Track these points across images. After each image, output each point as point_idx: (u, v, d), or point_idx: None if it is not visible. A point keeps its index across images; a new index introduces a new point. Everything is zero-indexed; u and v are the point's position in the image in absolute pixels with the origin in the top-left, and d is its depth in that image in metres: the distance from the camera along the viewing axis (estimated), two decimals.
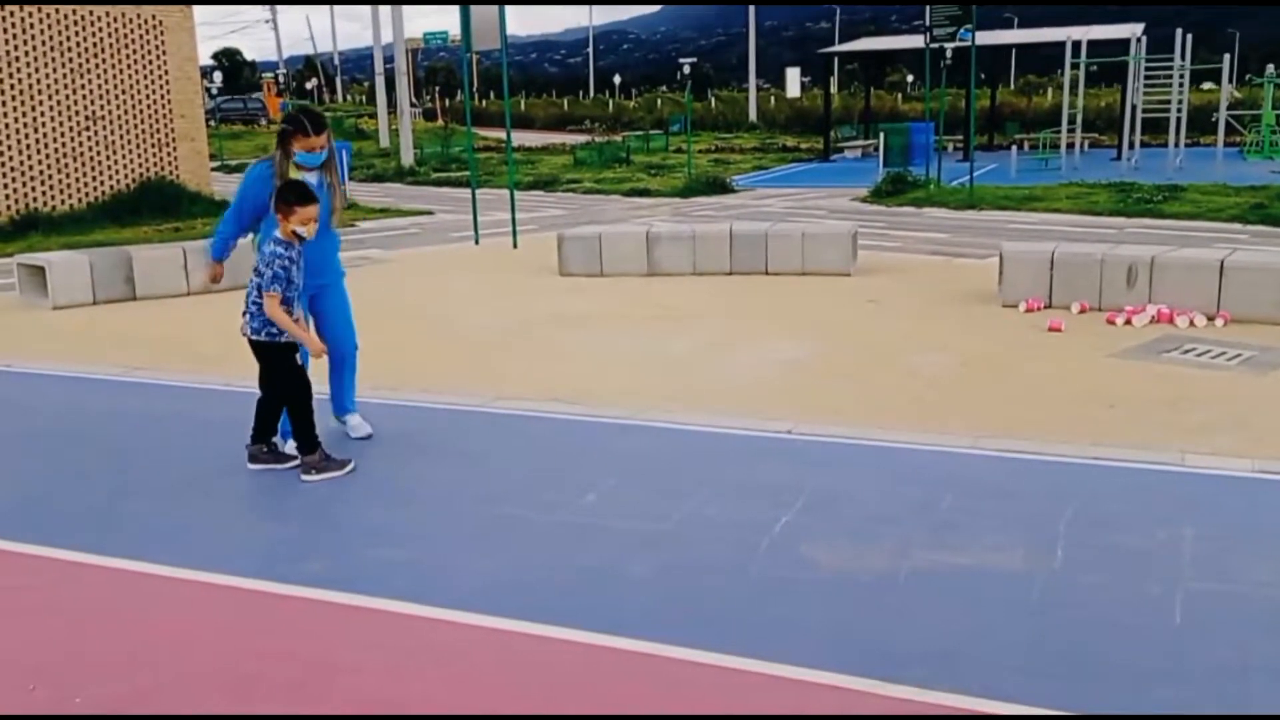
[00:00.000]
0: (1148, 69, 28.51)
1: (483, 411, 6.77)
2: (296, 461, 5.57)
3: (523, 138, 45.97)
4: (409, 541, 4.71)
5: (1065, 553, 4.38)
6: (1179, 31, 26.44)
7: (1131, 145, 27.69)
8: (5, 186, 17.50)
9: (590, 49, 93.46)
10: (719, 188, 24.49)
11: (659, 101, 64.66)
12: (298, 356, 5.59)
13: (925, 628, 3.79)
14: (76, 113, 18.32)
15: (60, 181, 18.20)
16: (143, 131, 19.36)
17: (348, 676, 3.56)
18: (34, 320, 10.57)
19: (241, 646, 3.79)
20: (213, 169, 22.72)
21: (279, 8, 65.41)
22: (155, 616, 4.06)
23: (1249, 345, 8.14)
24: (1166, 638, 3.69)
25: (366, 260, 13.37)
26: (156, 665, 3.67)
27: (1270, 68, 31.13)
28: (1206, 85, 36.56)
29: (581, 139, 43.74)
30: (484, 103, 62.74)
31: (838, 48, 41.87)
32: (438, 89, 67.72)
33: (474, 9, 15.02)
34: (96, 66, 18.50)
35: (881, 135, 29.82)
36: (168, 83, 19.63)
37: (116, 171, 19.00)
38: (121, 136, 19.04)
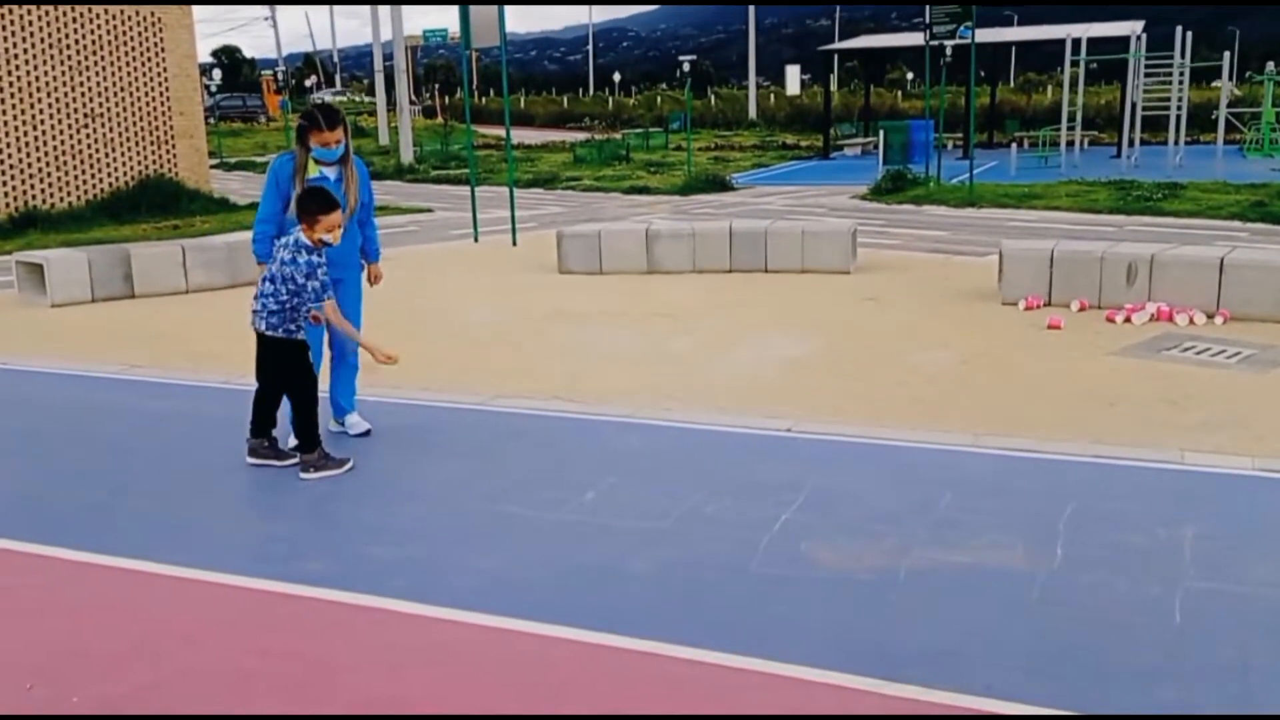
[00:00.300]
0: (1148, 67, 28.51)
1: (482, 410, 6.77)
2: (295, 459, 5.56)
3: (522, 135, 45.97)
4: (408, 540, 4.70)
5: (1065, 551, 4.37)
6: (1179, 29, 26.43)
7: (1131, 143, 27.69)
8: (4, 184, 17.49)
9: (590, 46, 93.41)
10: (719, 185, 24.48)
11: (659, 99, 64.62)
12: (309, 355, 5.59)
13: (925, 626, 3.79)
14: (75, 110, 18.31)
15: (59, 179, 18.19)
16: (142, 129, 19.35)
17: (347, 675, 3.55)
18: (33, 318, 10.56)
19: (241, 645, 3.79)
20: (211, 167, 22.72)
21: (278, 5, 65.36)
22: (154, 615, 4.06)
23: (1249, 343, 8.14)
24: (1166, 637, 3.69)
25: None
26: (155, 663, 3.66)
27: (1270, 65, 31.13)
28: (1216, 84, 36.49)
29: (581, 137, 43.76)
30: (483, 100, 62.70)
31: (838, 45, 41.85)
32: (437, 86, 67.67)
33: (473, 7, 15.00)
34: (95, 64, 18.49)
35: (881, 133, 29.81)
36: (166, 80, 19.62)
37: (115, 169, 18.99)
38: (120, 134, 19.02)
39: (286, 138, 31.78)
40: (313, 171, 5.83)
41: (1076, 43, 27.44)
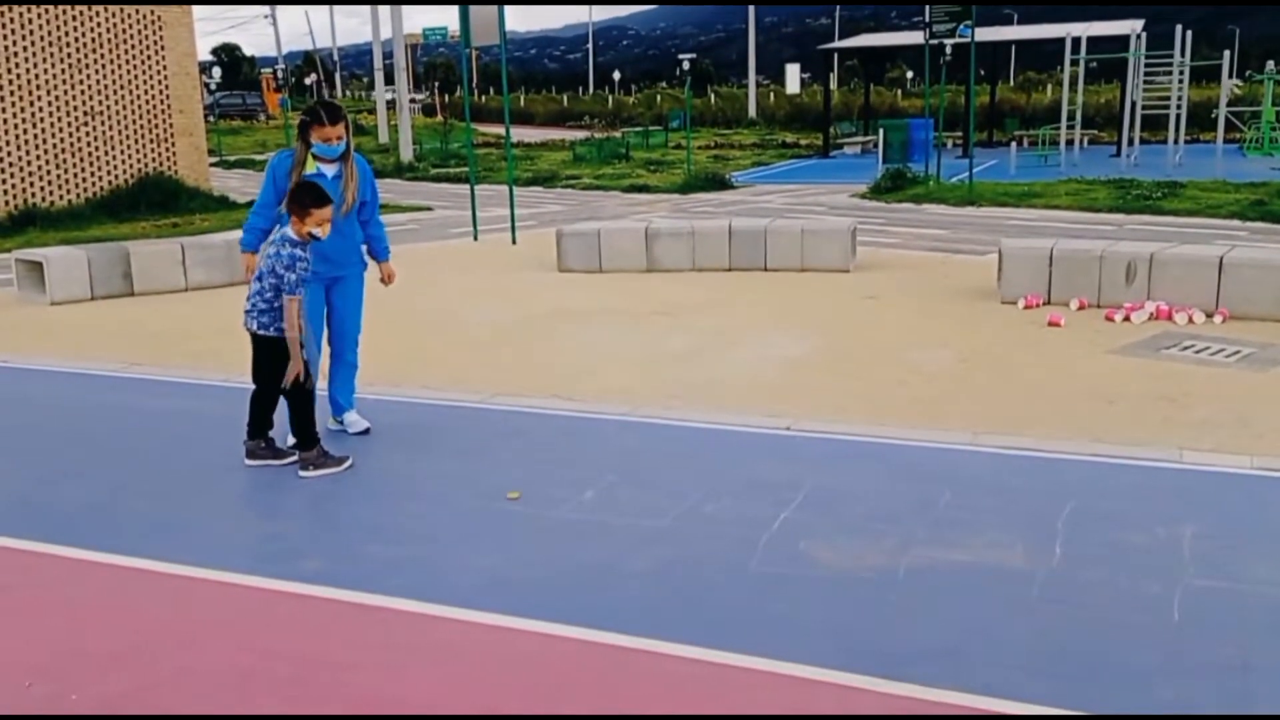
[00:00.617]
0: (1147, 65, 28.50)
1: (481, 408, 6.77)
2: (294, 458, 5.56)
3: (522, 134, 45.95)
4: (407, 538, 4.70)
5: (1064, 550, 4.37)
6: (1179, 28, 26.42)
7: (1131, 142, 27.68)
8: (4, 182, 17.48)
9: (590, 45, 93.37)
10: (718, 184, 24.47)
11: (658, 98, 64.60)
12: (304, 353, 5.58)
13: (924, 625, 3.79)
14: (75, 108, 18.30)
15: (59, 177, 18.18)
16: (141, 127, 19.34)
17: (346, 673, 3.56)
18: (32, 316, 10.56)
19: (240, 643, 3.79)
20: (211, 165, 22.71)
21: (279, 5, 65.29)
22: (153, 613, 4.06)
23: (1248, 342, 8.14)
24: (1166, 635, 3.69)
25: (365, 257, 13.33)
26: (154, 662, 3.66)
27: (1270, 64, 31.12)
28: (1214, 84, 36.47)
29: (581, 135, 43.74)
30: (483, 98, 62.68)
31: (837, 44, 41.83)
32: (437, 84, 67.63)
33: (473, 6, 15.00)
34: (95, 62, 18.48)
35: (881, 131, 29.79)
36: (166, 78, 19.61)
37: (115, 167, 18.98)
38: (120, 132, 19.01)
39: (286, 136, 31.82)
40: (310, 168, 5.83)
41: (1076, 41, 27.42)
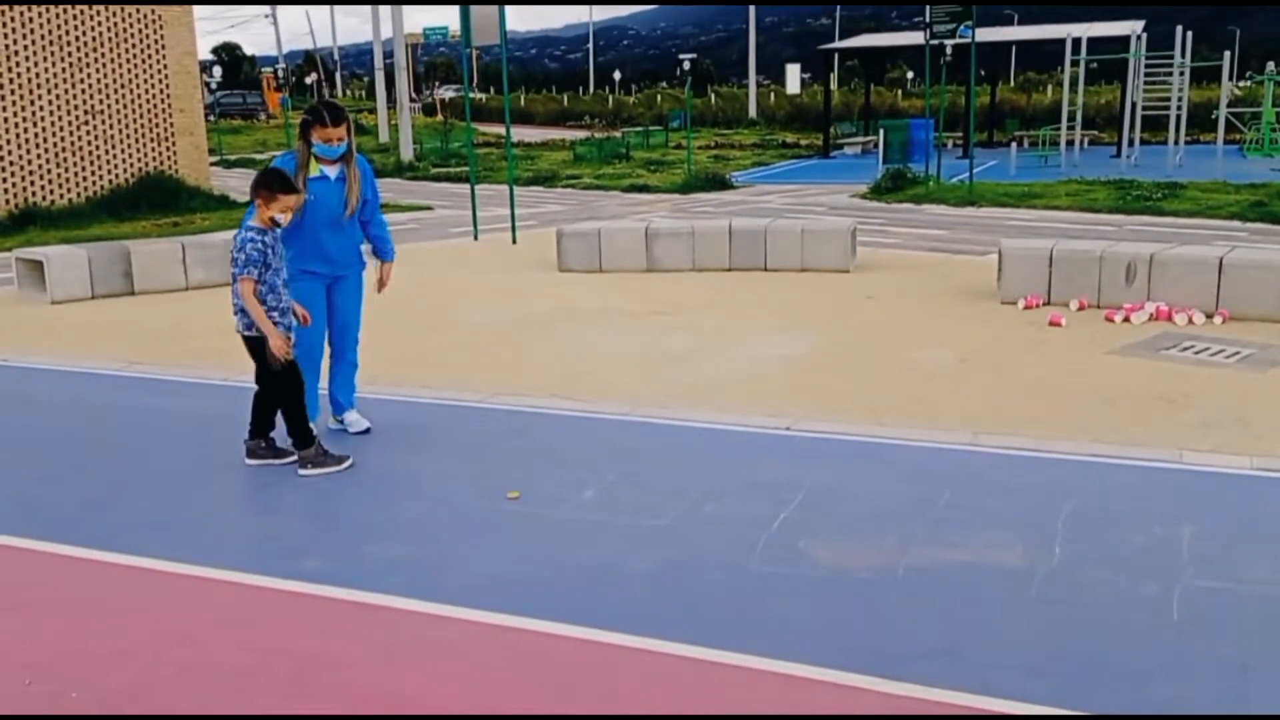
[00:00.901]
0: (1148, 66, 28.50)
1: (481, 407, 6.77)
2: (294, 457, 5.57)
3: (522, 133, 45.96)
4: (408, 537, 4.71)
5: (1063, 549, 4.38)
6: (1179, 29, 26.42)
7: (1131, 142, 27.68)
8: (4, 181, 17.48)
9: (590, 45, 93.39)
10: (718, 184, 24.46)
11: (659, 97, 64.60)
12: (279, 363, 5.53)
13: (924, 625, 3.79)
14: (75, 107, 18.30)
15: (59, 176, 18.19)
16: (141, 126, 19.34)
17: (346, 672, 3.56)
18: (32, 315, 10.56)
19: (240, 641, 3.79)
20: (211, 164, 22.71)
21: (279, 5, 65.30)
22: (153, 611, 4.06)
23: (1247, 343, 8.14)
24: (1165, 635, 3.69)
25: (365, 256, 13.33)
26: (154, 660, 3.67)
27: (1270, 65, 31.13)
28: (1215, 84, 36.46)
29: (581, 135, 43.74)
30: (484, 98, 62.68)
31: (838, 44, 41.83)
32: (437, 84, 67.59)
33: (474, 6, 15.00)
34: (95, 61, 18.48)
35: (881, 132, 29.79)
36: (167, 77, 19.61)
37: (115, 166, 18.99)
38: (120, 131, 19.01)
39: (287, 135, 31.81)
40: (313, 170, 5.83)
41: (1076, 42, 27.43)
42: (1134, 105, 28.20)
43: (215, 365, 7.94)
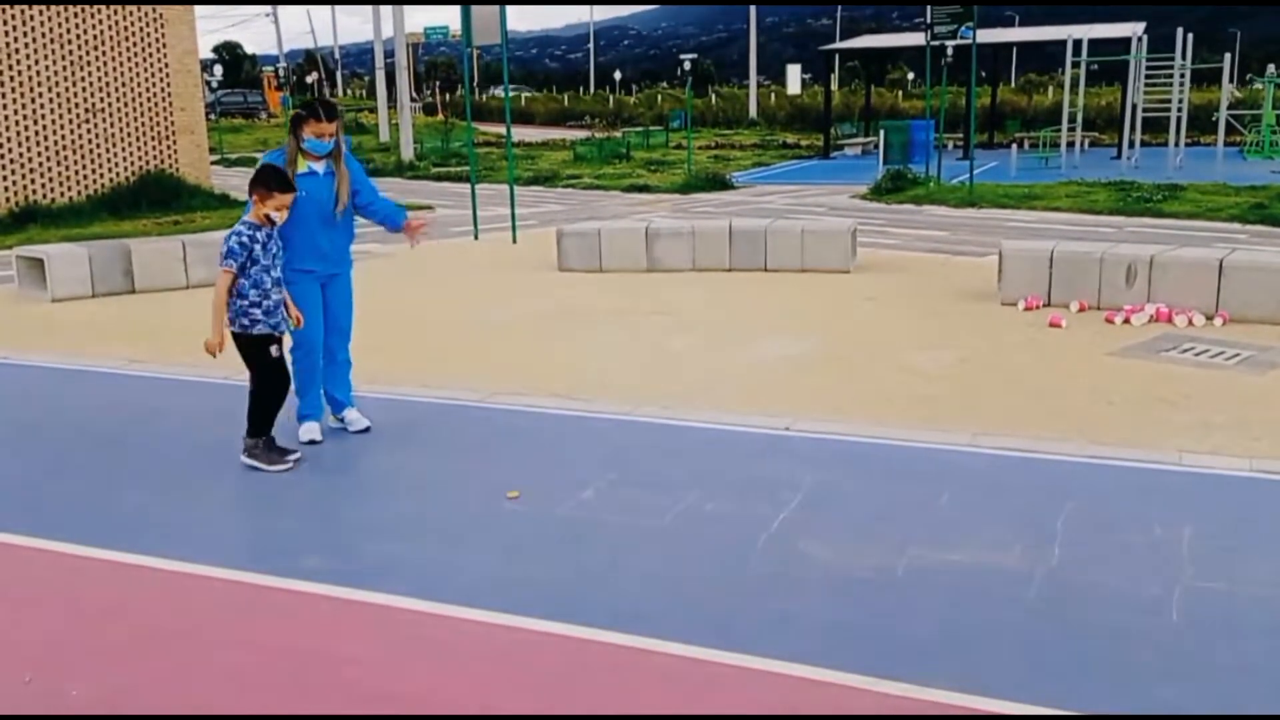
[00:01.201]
0: (1148, 68, 28.51)
1: (481, 406, 6.77)
2: (290, 465, 5.51)
3: (523, 133, 45.96)
4: (407, 536, 4.71)
5: (1062, 551, 4.38)
6: (1180, 30, 26.43)
7: (1132, 144, 27.68)
8: (5, 179, 17.48)
9: (591, 44, 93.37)
10: (719, 184, 24.47)
11: (659, 97, 64.60)
12: (273, 350, 5.53)
13: (923, 625, 3.80)
14: (76, 105, 18.30)
15: (59, 174, 18.19)
16: (142, 125, 19.34)
17: (345, 670, 3.56)
18: (32, 313, 10.56)
19: (239, 640, 3.80)
20: (212, 163, 22.70)
21: (280, 4, 65.33)
22: (152, 609, 4.06)
23: (1247, 345, 8.14)
24: (1164, 636, 3.70)
25: (365, 255, 13.34)
26: (153, 658, 3.67)
27: (1271, 67, 31.13)
28: (1215, 86, 36.43)
29: (582, 135, 43.74)
30: (484, 98, 62.66)
31: (839, 45, 41.84)
32: (438, 84, 67.63)
33: (475, 6, 15.00)
34: (96, 59, 18.48)
35: (882, 132, 29.81)
36: (168, 76, 19.60)
37: (116, 164, 18.99)
38: (121, 129, 19.01)
39: (287, 134, 31.65)
40: (301, 167, 5.84)
41: (1077, 44, 27.44)
42: (1134, 107, 28.21)
43: (215, 364, 7.92)
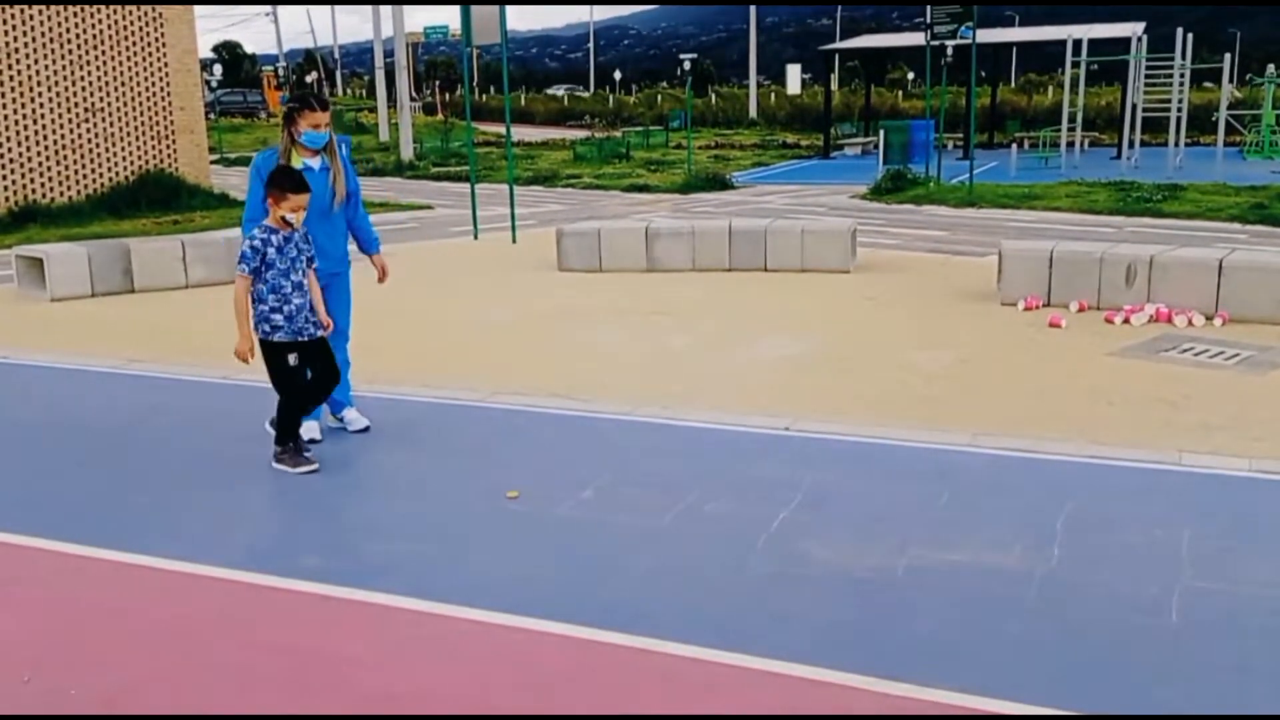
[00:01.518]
0: (1148, 68, 28.51)
1: (480, 406, 6.77)
2: (315, 466, 5.48)
3: (522, 133, 45.95)
4: (406, 536, 4.71)
5: (1062, 551, 4.38)
6: (1179, 31, 26.43)
7: (1131, 144, 27.70)
8: (4, 178, 17.48)
9: (591, 44, 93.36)
10: (719, 184, 24.48)
11: (659, 97, 64.59)
12: (291, 358, 5.47)
13: (922, 625, 3.80)
14: (76, 105, 18.29)
15: (59, 173, 18.18)
16: (142, 124, 19.34)
17: (345, 670, 3.56)
18: (32, 312, 10.56)
19: (238, 639, 3.79)
20: (212, 162, 22.70)
21: (280, 5, 65.30)
22: (152, 608, 4.06)
23: (1247, 345, 8.14)
24: (1163, 637, 3.70)
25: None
26: (153, 657, 3.67)
27: (1271, 68, 31.13)
28: (1214, 85, 36.41)
29: (581, 134, 43.73)
30: (484, 97, 62.66)
31: (838, 45, 41.84)
32: (438, 83, 67.64)
33: (475, 6, 15.00)
34: (96, 58, 18.47)
35: (882, 132, 29.81)
36: (167, 75, 19.60)
37: (115, 164, 18.98)
38: (121, 129, 19.01)
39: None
40: (296, 164, 5.82)
41: (1077, 44, 27.44)
42: (1134, 107, 28.22)
43: (215, 363, 7.94)
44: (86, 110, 18.46)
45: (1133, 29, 29.17)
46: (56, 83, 17.97)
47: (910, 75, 63.14)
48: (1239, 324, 8.85)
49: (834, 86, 42.15)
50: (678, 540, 4.57)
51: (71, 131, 18.28)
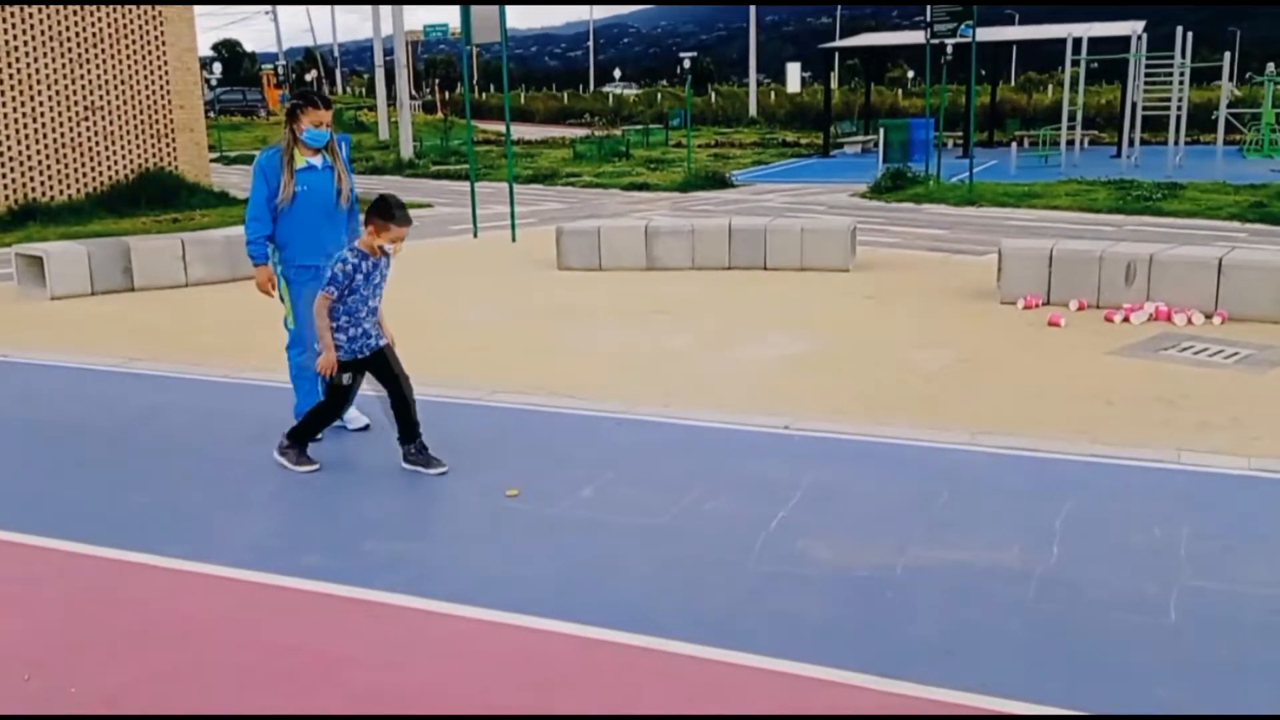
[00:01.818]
0: (1148, 66, 28.51)
1: (480, 405, 6.77)
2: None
3: (522, 131, 45.93)
4: (406, 534, 4.71)
5: (1061, 550, 4.38)
6: (1179, 29, 26.43)
7: (1131, 143, 27.70)
8: (4, 177, 17.47)
9: (591, 42, 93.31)
10: (718, 183, 24.47)
11: (659, 96, 64.57)
12: (345, 378, 5.39)
13: (922, 624, 3.80)
14: (75, 103, 18.29)
15: (59, 172, 18.18)
16: (141, 122, 19.33)
17: (344, 668, 3.56)
18: (32, 310, 10.56)
19: (238, 637, 3.80)
20: (211, 160, 22.69)
21: (279, 4, 65.24)
22: (152, 607, 4.06)
23: (1246, 343, 8.15)
24: (1162, 635, 3.70)
25: None
26: (153, 655, 3.67)
27: (1271, 66, 31.14)
28: (1216, 84, 36.41)
29: (581, 133, 43.73)
30: (484, 96, 62.63)
31: (838, 43, 41.83)
32: (437, 82, 67.62)
33: (474, 5, 15.00)
34: (96, 57, 18.47)
35: (881, 131, 29.80)
36: (167, 74, 19.60)
37: (115, 162, 18.98)
38: (120, 127, 19.01)
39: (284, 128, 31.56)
40: (300, 162, 5.83)
41: (1077, 42, 27.44)
42: (1134, 106, 28.23)
43: (215, 362, 7.94)
44: (86, 109, 18.45)
45: (1132, 27, 29.17)
46: (56, 81, 17.96)
47: (910, 74, 63.10)
48: (1238, 322, 8.86)
49: (834, 85, 42.14)
50: (677, 539, 4.57)
51: (71, 130, 18.27)
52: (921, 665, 3.50)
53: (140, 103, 19.25)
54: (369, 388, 5.60)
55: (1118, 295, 9.46)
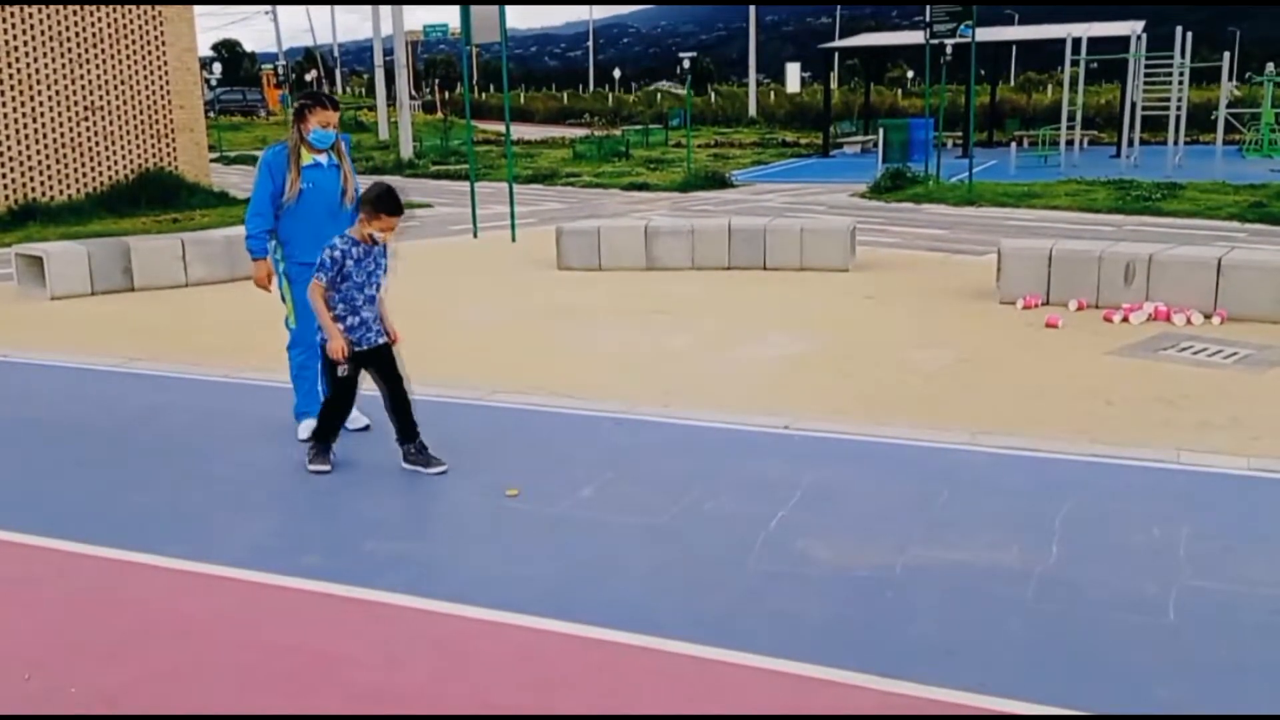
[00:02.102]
0: (1148, 66, 28.52)
1: (480, 404, 6.77)
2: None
3: (522, 131, 45.94)
4: (406, 534, 4.72)
5: (1061, 550, 4.38)
6: (1179, 29, 26.43)
7: (1131, 143, 27.70)
8: (3, 177, 17.47)
9: (591, 42, 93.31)
10: (718, 183, 24.47)
11: (659, 96, 64.56)
12: (340, 369, 5.38)
13: (921, 624, 3.80)
14: (75, 103, 18.29)
15: (59, 172, 18.18)
16: (141, 122, 19.33)
17: (344, 668, 3.57)
18: (32, 310, 10.56)
19: (238, 637, 3.80)
20: (211, 160, 22.69)
21: (279, 4, 65.21)
22: (152, 606, 4.07)
23: (1246, 343, 8.15)
24: (1162, 635, 3.70)
25: None
26: (153, 655, 3.67)
27: (1270, 66, 31.14)
28: (1215, 84, 36.38)
29: (581, 133, 43.73)
30: (483, 96, 62.63)
31: (838, 43, 41.83)
32: (437, 82, 67.62)
33: (474, 5, 15.00)
34: (95, 57, 18.47)
35: (881, 131, 29.80)
36: (167, 74, 19.60)
37: (115, 162, 18.98)
38: (120, 127, 19.01)
39: (286, 132, 31.66)
40: (305, 160, 5.84)
41: (1077, 42, 27.44)
42: (1134, 105, 28.23)
43: (215, 361, 7.94)
44: (86, 109, 18.45)
45: (1132, 27, 29.16)
46: (56, 81, 17.96)
47: (910, 74, 63.11)
48: (1238, 322, 8.86)
49: (833, 85, 42.17)
50: (677, 539, 4.57)
51: (71, 130, 18.27)
52: (921, 665, 3.50)
53: (140, 103, 19.25)
54: (369, 388, 5.60)
55: (1117, 295, 9.46)
